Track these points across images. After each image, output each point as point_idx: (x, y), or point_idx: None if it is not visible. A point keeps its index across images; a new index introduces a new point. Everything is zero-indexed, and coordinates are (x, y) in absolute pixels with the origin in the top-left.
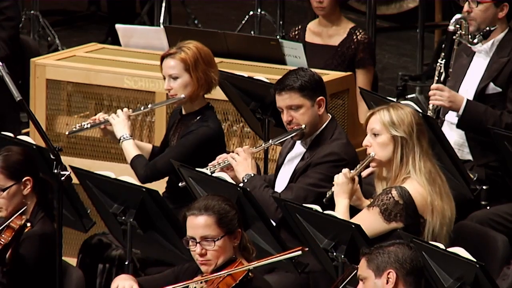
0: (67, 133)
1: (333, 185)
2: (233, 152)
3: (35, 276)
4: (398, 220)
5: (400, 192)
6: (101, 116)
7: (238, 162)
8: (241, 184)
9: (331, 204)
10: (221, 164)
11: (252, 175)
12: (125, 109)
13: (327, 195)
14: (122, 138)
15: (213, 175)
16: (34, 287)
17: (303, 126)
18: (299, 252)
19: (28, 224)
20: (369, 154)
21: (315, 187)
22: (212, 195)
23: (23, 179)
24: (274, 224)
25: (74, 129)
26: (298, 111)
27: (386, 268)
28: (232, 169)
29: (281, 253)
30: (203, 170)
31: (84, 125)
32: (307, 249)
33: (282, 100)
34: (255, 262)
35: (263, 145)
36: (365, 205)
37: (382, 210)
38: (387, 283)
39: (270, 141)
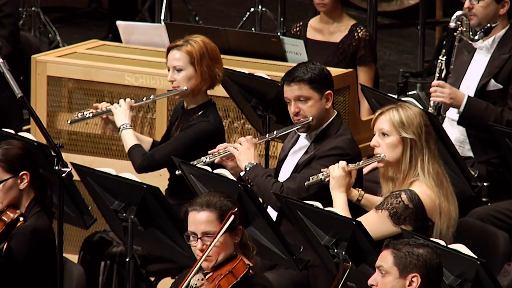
0: (69, 121)
1: (321, 172)
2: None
3: (25, 270)
4: (407, 224)
5: (410, 196)
6: (104, 105)
7: (241, 151)
8: (242, 173)
9: (325, 192)
10: (221, 153)
11: (255, 164)
12: (128, 99)
13: (311, 180)
14: (122, 127)
15: (215, 172)
16: (25, 281)
17: (310, 118)
18: None
19: (21, 219)
20: (378, 154)
21: None
22: (214, 191)
23: (20, 173)
24: (275, 214)
25: (76, 118)
26: (306, 103)
27: (412, 271)
28: (232, 159)
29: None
30: (202, 158)
31: (86, 114)
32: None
33: (291, 90)
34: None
35: (267, 136)
36: (353, 194)
37: (392, 214)
38: (409, 285)
39: (275, 132)
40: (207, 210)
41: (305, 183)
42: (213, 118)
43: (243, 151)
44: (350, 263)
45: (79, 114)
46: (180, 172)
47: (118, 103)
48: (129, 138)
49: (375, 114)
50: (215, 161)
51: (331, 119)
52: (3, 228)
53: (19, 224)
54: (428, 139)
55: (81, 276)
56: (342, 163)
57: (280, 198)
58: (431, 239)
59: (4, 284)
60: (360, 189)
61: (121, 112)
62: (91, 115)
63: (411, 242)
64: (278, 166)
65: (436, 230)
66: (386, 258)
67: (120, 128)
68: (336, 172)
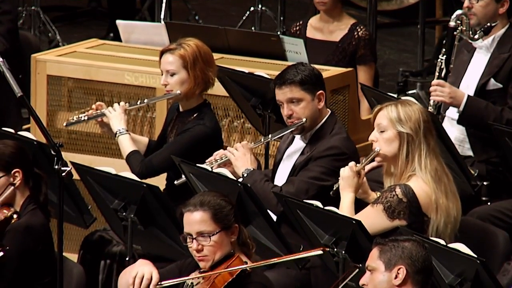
0: (64, 124)
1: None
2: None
3: (19, 267)
4: (402, 218)
5: (404, 190)
6: (98, 105)
7: (237, 157)
8: (240, 179)
9: (337, 198)
10: (218, 160)
11: (252, 169)
12: (122, 103)
13: (334, 188)
14: (118, 132)
15: (214, 170)
16: (19, 278)
17: (304, 120)
18: (320, 252)
19: (15, 216)
20: (374, 148)
21: (316, 181)
22: (208, 191)
23: (13, 171)
24: (274, 218)
25: (71, 120)
26: (299, 104)
27: (397, 263)
28: (230, 165)
29: (301, 252)
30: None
31: (81, 117)
32: (328, 249)
33: (283, 93)
34: (260, 262)
35: (262, 140)
36: (371, 198)
37: (386, 208)
38: (396, 278)
39: (270, 136)
40: (200, 210)
41: (330, 193)
42: (208, 120)
43: (239, 157)
44: (360, 265)
45: (75, 117)
46: (180, 181)
47: (112, 106)
48: (126, 145)
49: (374, 110)
50: (213, 169)
51: (325, 119)
52: None
53: (13, 221)
54: (427, 135)
55: (81, 275)
56: (351, 163)
57: (280, 197)
58: (431, 238)
59: (3, 281)
60: (378, 193)
61: (115, 117)
62: (86, 118)
63: (398, 237)
64: (274, 168)
65: (432, 226)
66: (372, 256)
67: (116, 133)
68: (345, 173)
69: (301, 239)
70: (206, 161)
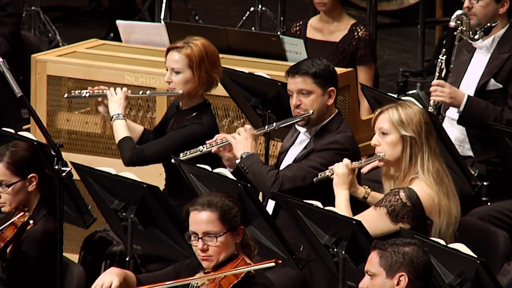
0: (65, 96)
1: (328, 169)
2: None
3: (36, 273)
4: (405, 222)
5: (408, 194)
6: (101, 88)
7: (238, 141)
8: (237, 161)
9: (321, 187)
10: (218, 143)
11: (251, 153)
12: (125, 89)
13: (319, 176)
14: (114, 116)
15: (214, 171)
16: (35, 283)
17: (311, 111)
18: (272, 264)
19: (31, 222)
20: (378, 153)
21: (315, 170)
22: (216, 191)
23: (29, 176)
24: (272, 208)
25: (73, 94)
26: (308, 96)
27: (399, 270)
28: (229, 150)
29: (253, 264)
30: (199, 147)
31: (83, 93)
32: (280, 261)
33: (294, 83)
34: (235, 269)
35: (266, 127)
36: (359, 192)
37: (390, 211)
38: (397, 285)
39: (274, 124)
40: (208, 210)
41: (314, 179)
42: (206, 120)
43: (240, 140)
44: None
45: (77, 91)
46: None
47: (115, 89)
48: (120, 129)
49: (375, 113)
50: (212, 151)
51: (332, 116)
52: (14, 231)
53: (29, 227)
54: (428, 136)
55: (81, 276)
56: (346, 160)
57: (280, 197)
58: (431, 238)
59: (15, 286)
60: (366, 187)
61: (115, 101)
62: (87, 95)
63: (397, 241)
64: (277, 162)
65: (435, 229)
66: (372, 260)
67: (112, 117)
68: (339, 169)
69: (298, 233)
70: (207, 142)
